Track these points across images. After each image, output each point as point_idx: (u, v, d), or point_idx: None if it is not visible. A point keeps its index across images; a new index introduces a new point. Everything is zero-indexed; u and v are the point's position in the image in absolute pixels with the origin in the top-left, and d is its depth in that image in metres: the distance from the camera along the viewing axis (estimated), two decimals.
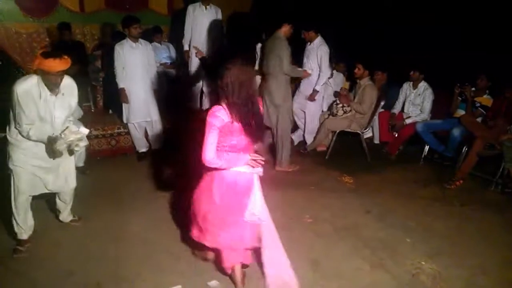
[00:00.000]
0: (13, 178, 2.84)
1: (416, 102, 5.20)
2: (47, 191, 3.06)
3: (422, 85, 5.15)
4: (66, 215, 3.36)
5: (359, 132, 5.07)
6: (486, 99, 4.79)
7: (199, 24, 5.17)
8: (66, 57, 2.63)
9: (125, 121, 4.85)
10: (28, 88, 2.60)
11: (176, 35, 6.04)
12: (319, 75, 4.96)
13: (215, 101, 2.31)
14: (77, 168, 4.29)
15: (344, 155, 5.17)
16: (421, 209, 3.86)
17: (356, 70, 5.08)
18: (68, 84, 2.82)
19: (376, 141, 5.60)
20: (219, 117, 2.15)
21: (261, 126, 2.34)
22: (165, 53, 5.97)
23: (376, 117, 5.34)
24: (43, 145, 2.82)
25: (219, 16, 5.30)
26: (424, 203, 4.00)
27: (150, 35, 5.72)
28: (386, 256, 3.05)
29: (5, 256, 2.92)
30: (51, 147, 2.72)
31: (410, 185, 4.44)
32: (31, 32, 5.92)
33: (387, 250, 3.12)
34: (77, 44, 5.70)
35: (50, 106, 2.73)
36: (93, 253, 2.96)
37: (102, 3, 6.22)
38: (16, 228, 2.96)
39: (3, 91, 5.31)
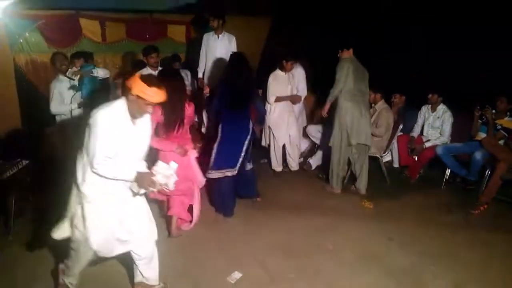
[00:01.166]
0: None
1: (435, 125, 5.14)
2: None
3: (441, 107, 5.11)
4: None
5: (378, 156, 5.02)
6: (507, 121, 4.70)
7: (212, 53, 5.26)
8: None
9: None
10: (113, 115, 2.30)
11: (190, 62, 6.15)
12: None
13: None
14: None
15: None
16: (445, 235, 3.77)
17: None
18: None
19: (396, 164, 5.53)
20: (155, 113, 3.09)
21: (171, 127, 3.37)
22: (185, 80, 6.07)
23: (395, 141, 5.29)
24: (123, 190, 2.46)
25: (233, 44, 5.35)
26: (448, 229, 3.91)
27: (169, 63, 5.86)
28: (410, 285, 2.98)
29: None
30: (141, 185, 2.39)
31: (433, 210, 4.36)
32: None
33: (411, 279, 3.05)
34: None
35: (130, 137, 2.40)
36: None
37: (123, 33, 6.43)
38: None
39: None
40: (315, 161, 5.50)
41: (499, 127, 4.69)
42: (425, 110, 5.26)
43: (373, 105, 5.11)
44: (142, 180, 2.38)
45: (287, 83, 5.12)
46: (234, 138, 3.97)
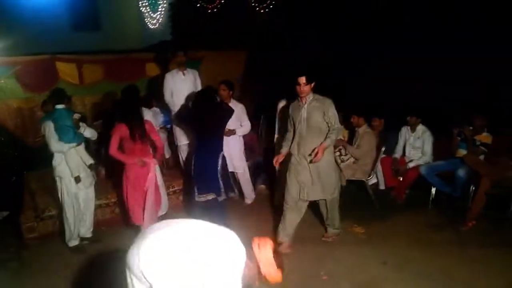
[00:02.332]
0: None
1: (416, 145, 5.23)
2: None
3: (420, 128, 5.21)
4: None
5: (363, 180, 5.05)
6: (485, 137, 4.82)
7: (178, 90, 5.22)
8: None
9: None
10: None
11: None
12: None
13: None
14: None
15: (351, 204, 5.02)
16: (438, 254, 3.76)
17: (351, 120, 5.20)
18: None
19: (382, 187, 5.55)
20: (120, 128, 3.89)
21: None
22: (165, 116, 6.03)
23: (378, 163, 5.34)
24: None
25: (198, 80, 5.38)
26: (441, 248, 3.92)
27: (149, 101, 5.81)
28: None
29: None
30: None
31: (423, 230, 4.36)
32: (33, 106, 6.01)
33: None
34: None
35: None
36: None
37: (101, 74, 6.39)
38: None
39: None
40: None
41: (478, 143, 4.80)
42: (405, 131, 5.36)
43: (356, 128, 5.19)
44: None
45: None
46: (207, 166, 4.14)
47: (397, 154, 5.40)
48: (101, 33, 11.85)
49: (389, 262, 3.64)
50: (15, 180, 5.25)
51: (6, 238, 4.02)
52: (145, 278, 1.83)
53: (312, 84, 3.72)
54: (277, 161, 3.97)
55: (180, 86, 5.21)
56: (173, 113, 5.38)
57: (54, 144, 3.92)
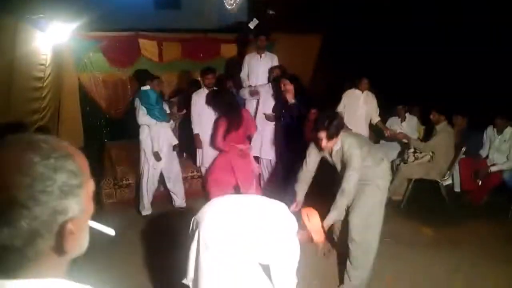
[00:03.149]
0: None
1: (502, 148, 4.82)
2: None
3: (509, 130, 4.77)
4: None
5: (438, 180, 4.77)
6: None
7: (254, 73, 5.34)
8: None
9: (198, 165, 5.00)
10: None
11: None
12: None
13: None
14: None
15: (421, 204, 4.82)
16: None
17: (431, 116, 4.89)
18: None
19: (457, 189, 5.20)
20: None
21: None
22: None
23: (456, 164, 5.01)
24: None
25: (275, 63, 5.37)
26: None
27: (222, 82, 5.91)
28: None
29: None
30: None
31: (500, 241, 4.02)
32: (116, 80, 6.41)
33: None
34: None
35: None
36: None
37: (179, 53, 6.61)
38: None
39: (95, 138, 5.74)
40: None
41: None
42: (490, 132, 4.95)
43: (435, 126, 4.89)
44: None
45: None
46: None
47: (479, 156, 5.01)
48: (181, 11, 12.21)
49: (460, 271, 3.42)
50: (97, 148, 5.66)
51: None
52: (209, 243, 2.16)
53: (337, 138, 2.86)
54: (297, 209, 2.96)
55: (257, 68, 5.32)
56: (244, 90, 5.42)
57: (141, 117, 4.30)
